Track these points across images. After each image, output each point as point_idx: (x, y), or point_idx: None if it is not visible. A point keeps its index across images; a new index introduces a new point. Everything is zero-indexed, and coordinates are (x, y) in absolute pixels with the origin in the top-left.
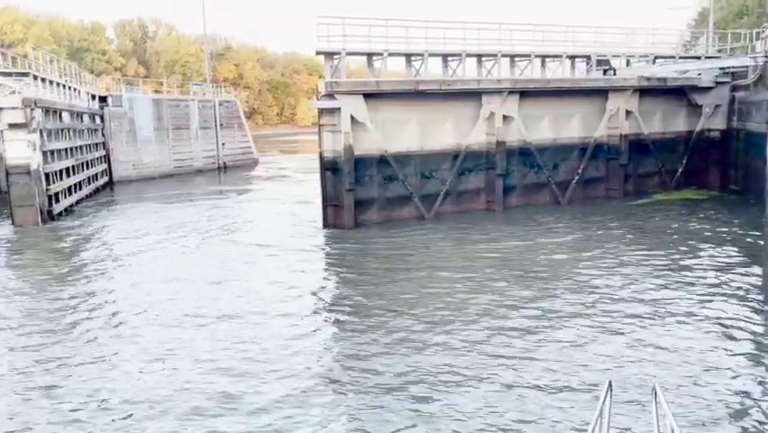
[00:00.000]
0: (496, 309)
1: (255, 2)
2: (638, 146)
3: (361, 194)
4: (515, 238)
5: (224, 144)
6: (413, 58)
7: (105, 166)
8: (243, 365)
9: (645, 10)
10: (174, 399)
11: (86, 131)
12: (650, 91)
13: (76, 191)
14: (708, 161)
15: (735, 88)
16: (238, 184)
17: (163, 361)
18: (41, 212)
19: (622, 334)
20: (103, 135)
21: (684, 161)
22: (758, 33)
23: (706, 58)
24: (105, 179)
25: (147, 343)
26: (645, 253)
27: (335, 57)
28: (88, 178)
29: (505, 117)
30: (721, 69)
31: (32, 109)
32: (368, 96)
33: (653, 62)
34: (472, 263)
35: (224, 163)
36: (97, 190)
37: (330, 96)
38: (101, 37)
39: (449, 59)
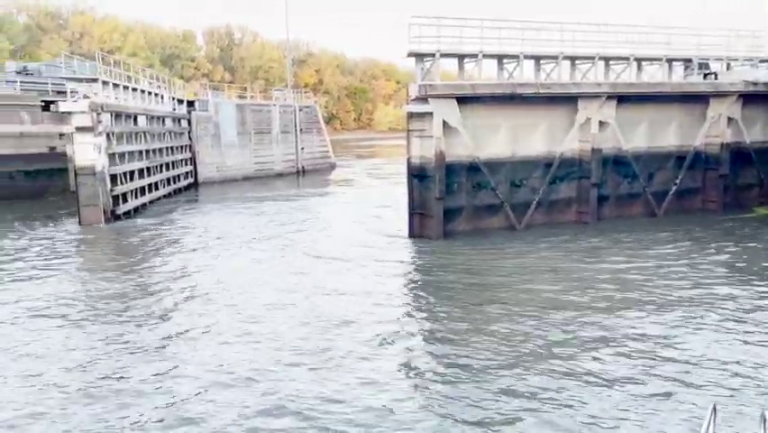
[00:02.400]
0: (592, 330)
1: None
2: (738, 155)
3: (449, 202)
4: (612, 254)
5: (303, 149)
6: (505, 60)
7: (190, 168)
8: (321, 366)
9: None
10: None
11: (168, 134)
12: (752, 97)
13: (150, 192)
14: None
15: None
16: (317, 187)
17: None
18: (105, 212)
19: (729, 358)
20: (189, 138)
21: None
22: None
23: None
24: (190, 180)
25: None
26: (752, 273)
27: (426, 59)
28: (168, 179)
29: (601, 123)
30: None
31: (99, 113)
32: (460, 100)
33: (757, 66)
34: (568, 282)
35: (303, 167)
36: (180, 191)
37: (422, 99)
38: (191, 44)
39: (541, 61)
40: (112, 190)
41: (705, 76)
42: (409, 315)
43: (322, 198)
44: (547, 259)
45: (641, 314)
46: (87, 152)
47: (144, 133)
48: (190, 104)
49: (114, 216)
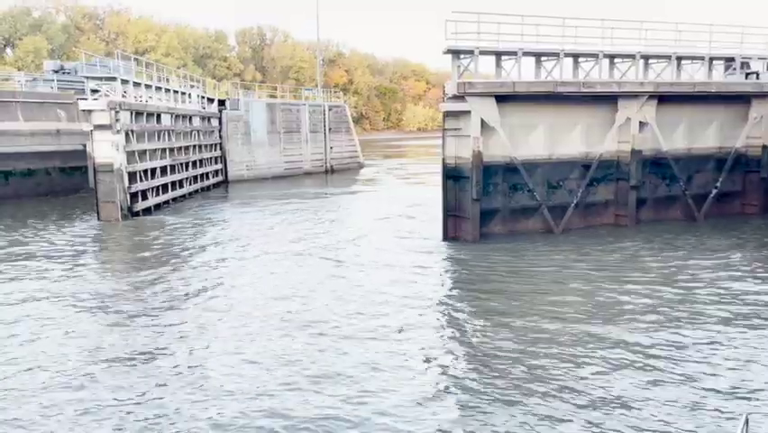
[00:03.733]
0: (629, 340)
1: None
2: None
3: (485, 204)
4: (654, 262)
5: (331, 148)
6: (543, 58)
7: (219, 166)
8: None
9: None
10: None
11: (196, 132)
12: None
13: (173, 189)
14: None
15: None
16: (345, 187)
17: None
18: (122, 209)
19: (762, 367)
20: (220, 137)
21: None
22: None
23: None
24: (220, 178)
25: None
26: None
27: (463, 56)
28: (195, 176)
29: (640, 124)
30: None
31: (117, 111)
32: (498, 98)
33: None
34: (609, 291)
35: (332, 166)
36: (209, 188)
37: (459, 97)
38: (223, 44)
39: (580, 59)
40: (129, 187)
41: (747, 75)
42: (447, 322)
43: (351, 198)
44: (588, 266)
45: (682, 325)
46: (105, 150)
47: (168, 131)
48: (221, 103)
49: (131, 213)
